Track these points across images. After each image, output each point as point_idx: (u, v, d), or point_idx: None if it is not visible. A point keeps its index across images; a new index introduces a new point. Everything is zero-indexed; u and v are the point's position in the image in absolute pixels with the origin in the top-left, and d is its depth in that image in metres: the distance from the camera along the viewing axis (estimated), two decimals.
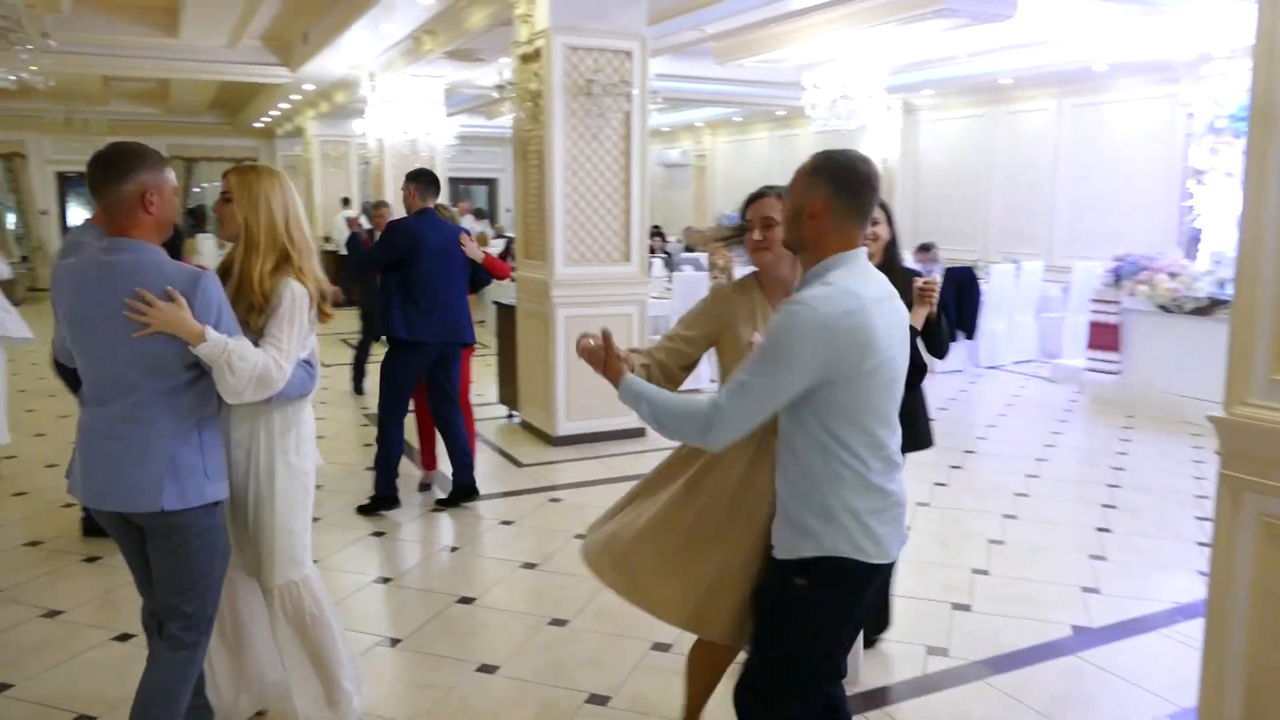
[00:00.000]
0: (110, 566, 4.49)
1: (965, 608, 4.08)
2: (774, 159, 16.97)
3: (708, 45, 10.85)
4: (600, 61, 6.58)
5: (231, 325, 2.50)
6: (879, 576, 2.27)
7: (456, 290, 5.36)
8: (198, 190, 20.50)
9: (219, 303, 2.47)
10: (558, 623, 3.95)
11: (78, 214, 19.43)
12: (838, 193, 2.14)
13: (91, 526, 4.80)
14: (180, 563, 2.52)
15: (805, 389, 2.07)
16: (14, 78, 7.01)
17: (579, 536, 4.91)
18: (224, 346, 2.41)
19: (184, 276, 2.41)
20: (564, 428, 6.75)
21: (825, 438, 2.12)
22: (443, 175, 11.66)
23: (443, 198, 11.74)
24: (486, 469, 6.25)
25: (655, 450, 6.68)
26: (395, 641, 3.77)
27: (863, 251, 2.19)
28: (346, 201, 14.55)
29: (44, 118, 16.90)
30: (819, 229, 2.16)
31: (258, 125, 18.46)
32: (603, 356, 2.29)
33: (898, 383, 2.20)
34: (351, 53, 9.97)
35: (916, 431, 3.36)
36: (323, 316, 2.79)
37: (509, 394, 7.59)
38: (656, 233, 14.81)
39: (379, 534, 5.04)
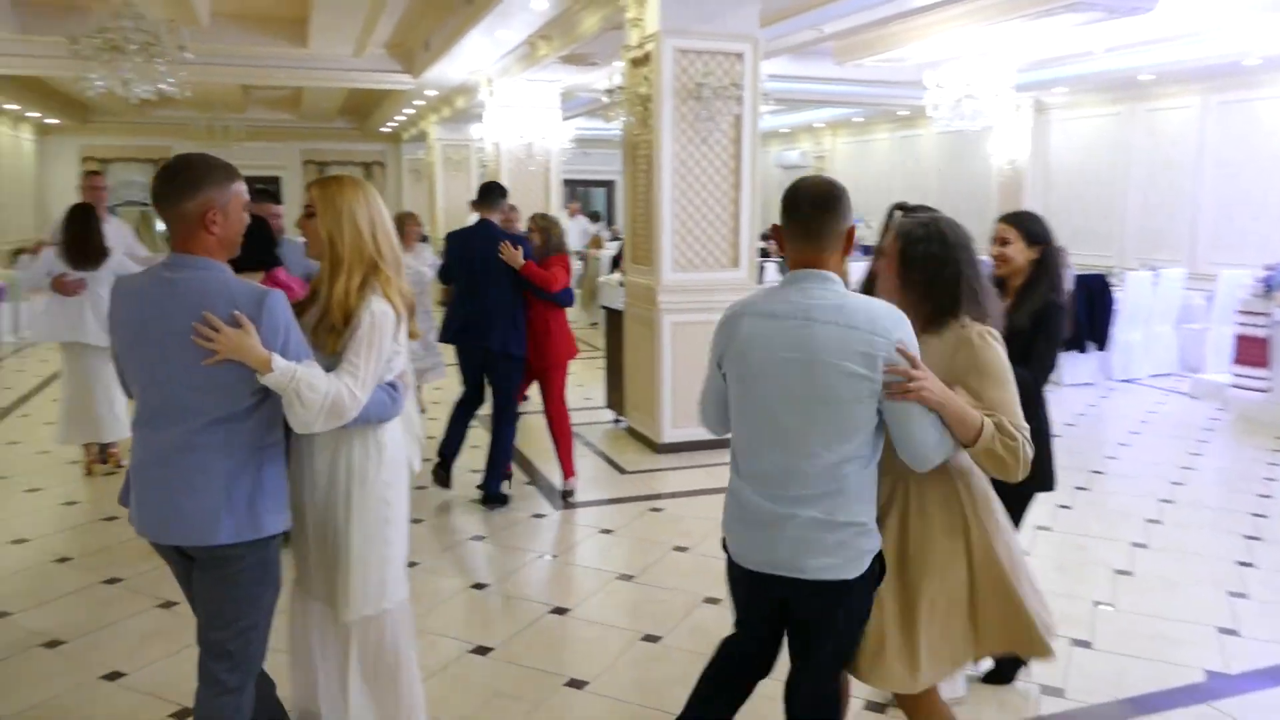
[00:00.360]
0: None
1: (1085, 644, 3.81)
2: (896, 160, 16.50)
3: (826, 45, 10.62)
4: (711, 64, 6.47)
5: (300, 348, 2.34)
6: (748, 576, 2.33)
7: (503, 299, 5.34)
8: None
9: (286, 324, 2.30)
10: (650, 639, 3.87)
11: None
12: (782, 217, 2.29)
13: None
14: (227, 596, 2.36)
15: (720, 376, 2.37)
16: (152, 89, 7.33)
17: (678, 549, 4.83)
18: (292, 375, 2.25)
19: (250, 297, 2.26)
20: (669, 435, 6.67)
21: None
22: (556, 178, 11.79)
23: (556, 199, 11.95)
24: (590, 475, 6.23)
25: None
26: (485, 650, 3.76)
27: (809, 273, 2.21)
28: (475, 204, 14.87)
29: (190, 125, 17.85)
30: (784, 250, 2.31)
31: (385, 130, 19.05)
32: None
33: (768, 407, 2.22)
34: (470, 59, 10.15)
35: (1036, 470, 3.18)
36: (412, 334, 2.67)
37: (616, 399, 7.56)
38: (769, 236, 14.61)
39: (479, 538, 5.06)
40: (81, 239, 5.72)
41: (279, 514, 2.40)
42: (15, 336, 11.73)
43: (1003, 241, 3.25)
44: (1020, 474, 2.18)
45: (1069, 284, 3.35)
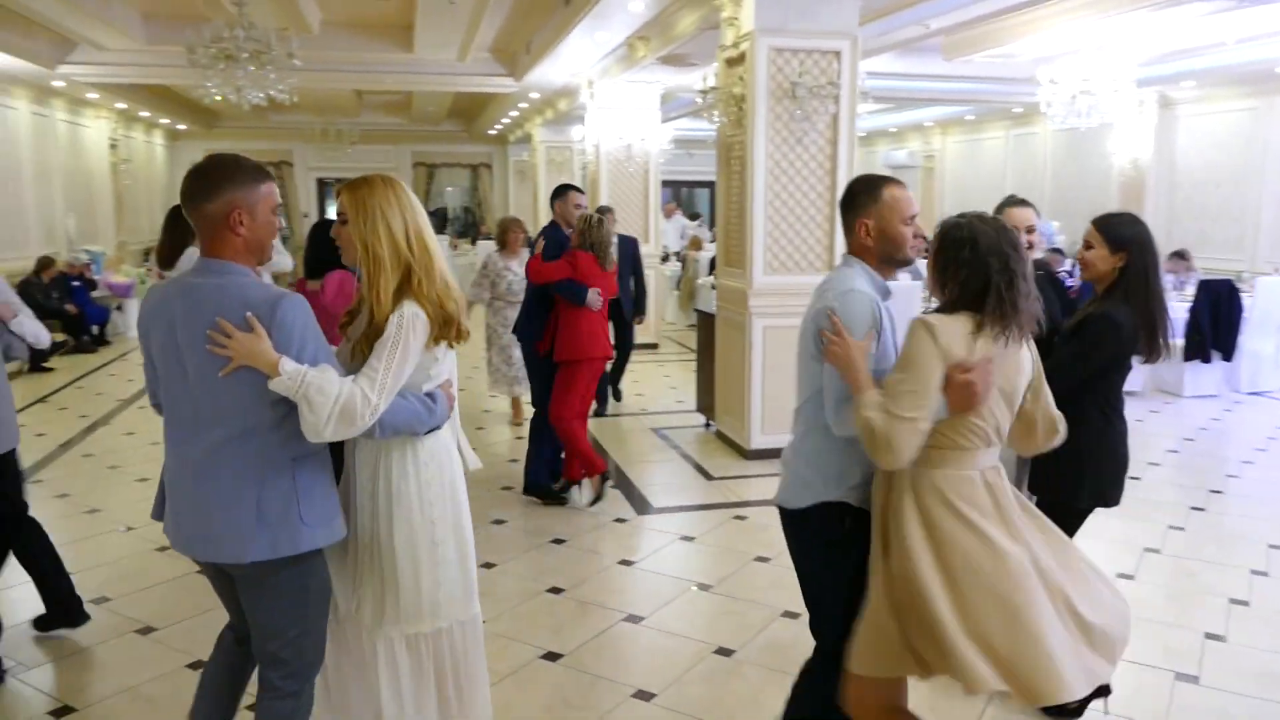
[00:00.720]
0: None
1: (1192, 679, 3.54)
2: (1009, 160, 15.91)
3: (934, 41, 10.29)
4: (807, 63, 6.32)
5: (321, 355, 2.24)
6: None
7: (534, 301, 5.51)
8: (443, 194, 21.85)
9: (302, 329, 2.20)
10: (724, 652, 3.78)
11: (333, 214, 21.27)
12: None
13: None
14: (274, 612, 2.32)
15: None
16: (263, 95, 7.60)
17: (759, 559, 4.72)
18: (300, 379, 2.14)
19: (264, 301, 2.17)
20: (758, 441, 6.55)
21: None
22: (655, 180, 11.75)
23: (654, 200, 11.90)
24: (676, 480, 6.18)
25: None
26: (556, 656, 3.74)
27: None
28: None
29: (307, 129, 18.55)
30: None
31: (492, 133, 19.39)
32: None
33: None
34: (570, 61, 10.20)
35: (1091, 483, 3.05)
36: (459, 336, 2.46)
37: (707, 403, 7.48)
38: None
39: (560, 541, 5.06)
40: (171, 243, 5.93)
41: (321, 527, 2.30)
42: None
43: (1086, 246, 3.08)
44: (880, 458, 2.25)
45: (1175, 289, 3.16)
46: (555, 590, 4.41)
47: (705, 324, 7.57)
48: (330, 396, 2.16)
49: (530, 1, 9.16)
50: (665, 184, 21.40)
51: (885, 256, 2.51)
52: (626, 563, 4.78)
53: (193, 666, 3.61)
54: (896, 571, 2.33)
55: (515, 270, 6.99)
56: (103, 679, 3.58)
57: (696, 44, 8.31)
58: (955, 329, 2.28)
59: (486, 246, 16.64)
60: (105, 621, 4.02)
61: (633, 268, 7.70)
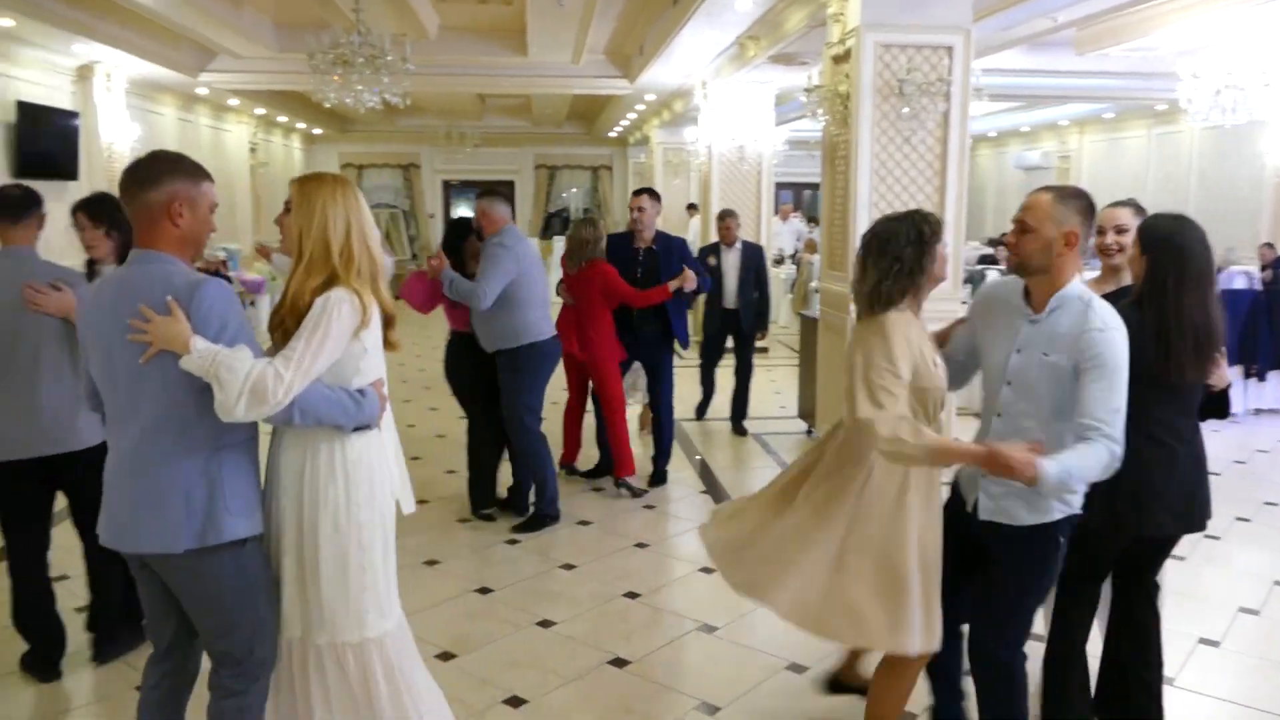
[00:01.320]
0: (531, 551, 4.91)
1: None
2: (1151, 161, 15.00)
3: (1065, 35, 9.79)
4: (916, 59, 6.08)
5: (240, 337, 2.21)
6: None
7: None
8: (564, 196, 22.15)
9: (223, 313, 2.20)
10: (796, 669, 3.64)
11: (458, 215, 21.89)
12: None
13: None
14: (213, 607, 2.29)
15: None
16: (378, 99, 7.83)
17: None
18: (212, 357, 2.12)
19: (185, 285, 2.19)
20: None
21: None
22: (768, 181, 11.58)
23: (767, 202, 11.72)
24: (745, 485, 6.00)
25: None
26: (624, 663, 3.68)
27: None
28: (693, 208, 14.88)
29: (431, 132, 19.11)
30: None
31: (612, 135, 19.53)
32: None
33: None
34: (682, 61, 10.15)
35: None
36: (388, 344, 2.47)
37: (808, 409, 7.31)
38: (999, 243, 13.68)
39: (642, 545, 5.00)
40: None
41: (243, 518, 2.28)
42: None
43: (1119, 230, 2.94)
44: None
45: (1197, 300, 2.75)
46: (631, 595, 4.35)
47: (809, 328, 7.40)
48: (240, 374, 2.12)
49: (640, 2, 9.15)
50: (784, 186, 21.18)
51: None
52: (707, 570, 4.67)
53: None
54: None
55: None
56: None
57: (807, 42, 8.12)
58: None
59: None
60: None
61: (756, 278, 7.36)
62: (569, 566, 4.67)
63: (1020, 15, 7.98)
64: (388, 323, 2.47)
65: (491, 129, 19.47)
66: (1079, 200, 2.53)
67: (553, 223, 21.57)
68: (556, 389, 5.88)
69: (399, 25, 8.88)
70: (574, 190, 22.40)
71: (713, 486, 6.03)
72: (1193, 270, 2.67)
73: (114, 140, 10.75)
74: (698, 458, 6.71)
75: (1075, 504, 2.56)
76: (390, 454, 2.51)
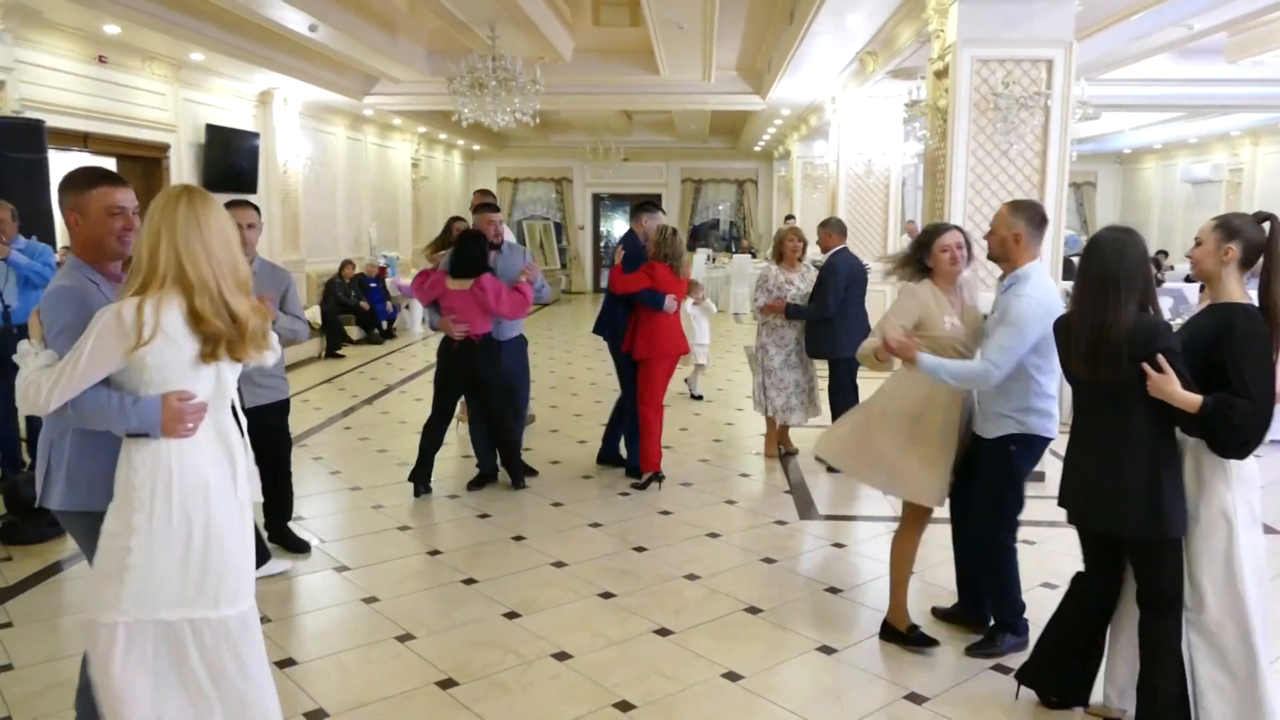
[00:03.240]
0: (611, 534, 5.38)
1: None
2: None
3: (1214, 41, 9.42)
4: (1015, 73, 6.15)
5: (58, 344, 2.44)
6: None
7: (608, 300, 6.36)
8: (720, 208, 22.58)
9: (51, 319, 2.48)
10: (826, 650, 3.88)
11: (614, 228, 22.69)
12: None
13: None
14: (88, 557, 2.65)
15: None
16: (510, 117, 8.47)
17: None
18: (20, 355, 2.46)
19: (49, 293, 2.56)
20: None
21: None
22: (895, 196, 11.61)
23: (894, 217, 11.73)
24: (849, 489, 6.16)
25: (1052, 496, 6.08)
26: (667, 633, 4.02)
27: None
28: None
29: (580, 147, 19.95)
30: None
31: (756, 149, 19.82)
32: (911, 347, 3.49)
33: None
34: (808, 77, 10.38)
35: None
36: (215, 354, 2.45)
37: None
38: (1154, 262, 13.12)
39: (714, 535, 5.31)
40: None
41: (77, 494, 2.59)
42: (423, 327, 13.95)
43: (1197, 243, 2.98)
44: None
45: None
46: (691, 577, 4.68)
47: None
48: (22, 377, 2.41)
49: (763, 20, 9.46)
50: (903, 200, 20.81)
51: None
52: (769, 560, 4.95)
53: (509, 616, 4.18)
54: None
55: (797, 285, 6.61)
56: (437, 619, 4.20)
57: (921, 58, 8.22)
58: None
59: (741, 260, 17.06)
60: (439, 575, 4.68)
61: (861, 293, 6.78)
62: (640, 549, 5.05)
63: (1151, 23, 7.81)
64: (210, 337, 2.42)
65: (638, 144, 20.15)
66: (1029, 211, 3.67)
67: (698, 235, 22.02)
68: (595, 388, 6.26)
69: (535, 50, 9.53)
70: (724, 204, 22.75)
71: (796, 486, 6.25)
72: (1094, 273, 2.89)
73: (289, 157, 11.95)
74: (788, 455, 6.94)
75: (1030, 424, 3.61)
76: (210, 456, 2.51)
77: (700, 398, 9.17)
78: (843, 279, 6.45)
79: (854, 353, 6.29)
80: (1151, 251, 9.92)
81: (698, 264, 18.24)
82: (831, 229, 6.82)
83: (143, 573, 2.40)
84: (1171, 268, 14.42)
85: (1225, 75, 10.50)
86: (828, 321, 6.46)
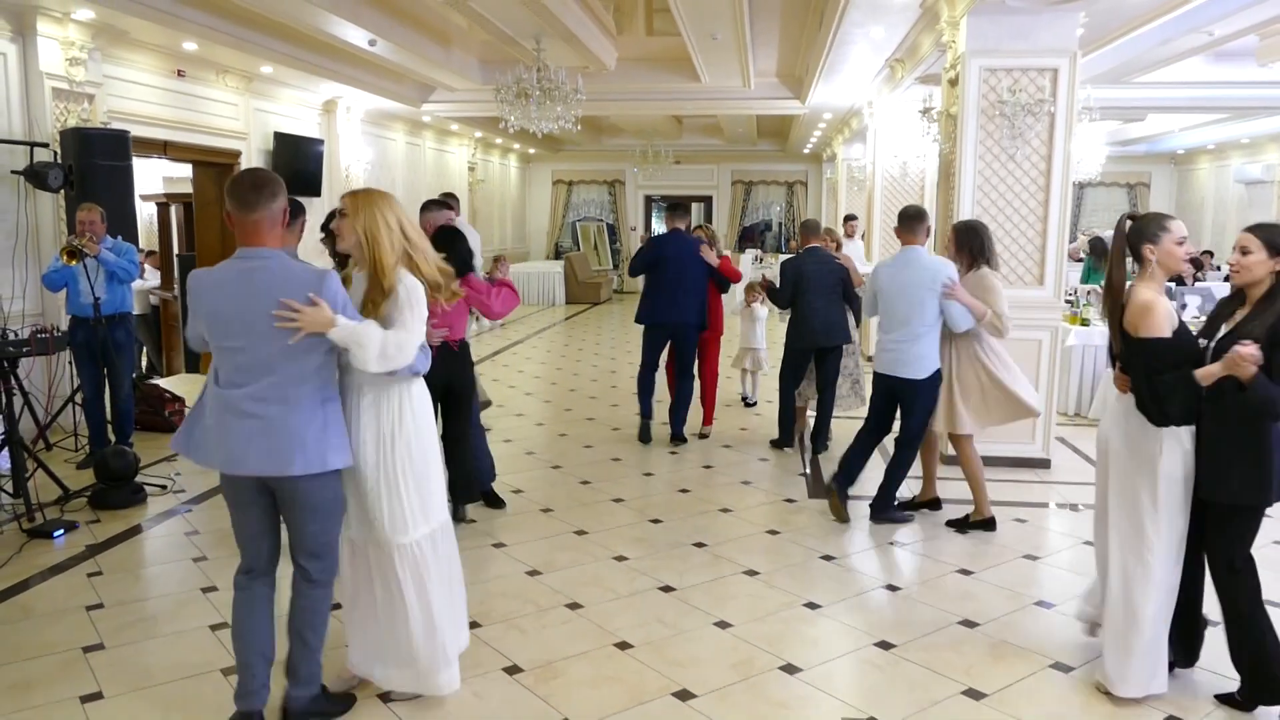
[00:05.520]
0: (631, 508, 5.88)
1: None
2: None
3: (1244, 43, 9.56)
4: (1022, 81, 6.49)
5: (353, 313, 3.02)
6: None
7: (698, 287, 7.18)
8: (775, 209, 22.94)
9: (341, 293, 3.00)
10: (812, 606, 4.32)
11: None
12: None
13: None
14: (308, 519, 3.06)
15: None
16: (554, 125, 9.00)
17: (962, 571, 5.11)
18: (352, 329, 2.93)
19: (313, 277, 2.93)
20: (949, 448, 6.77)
21: None
22: (930, 197, 11.88)
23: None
24: (872, 473, 6.54)
25: (1056, 482, 6.42)
26: (670, 589, 4.49)
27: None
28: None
29: (630, 151, 20.50)
30: None
31: (805, 151, 20.14)
32: None
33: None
34: (844, 83, 10.75)
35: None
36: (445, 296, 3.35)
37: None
38: (1195, 263, 13.16)
39: (727, 510, 5.76)
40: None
41: (341, 452, 3.05)
42: (476, 325, 14.60)
43: (1243, 251, 3.26)
44: None
45: None
46: (699, 545, 5.15)
47: None
48: (375, 339, 3.05)
49: (797, 28, 9.86)
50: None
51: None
52: (773, 532, 5.39)
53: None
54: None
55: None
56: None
57: (943, 66, 8.55)
58: None
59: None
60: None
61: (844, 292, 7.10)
62: (656, 521, 5.54)
63: (1170, 31, 8.04)
64: (435, 289, 3.32)
65: (689, 147, 20.61)
66: (916, 220, 5.40)
67: (748, 236, 22.40)
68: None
69: (579, 60, 10.07)
70: (775, 207, 23.08)
71: (812, 467, 6.67)
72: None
73: (351, 163, 12.66)
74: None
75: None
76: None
77: (754, 404, 8.96)
78: (789, 278, 6.98)
79: (832, 342, 7.03)
80: (1197, 251, 10.12)
81: (745, 264, 18.66)
82: (804, 230, 7.34)
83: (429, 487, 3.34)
84: (1217, 268, 14.42)
85: (1260, 78, 10.60)
86: (793, 313, 7.07)
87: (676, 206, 7.54)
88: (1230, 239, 18.19)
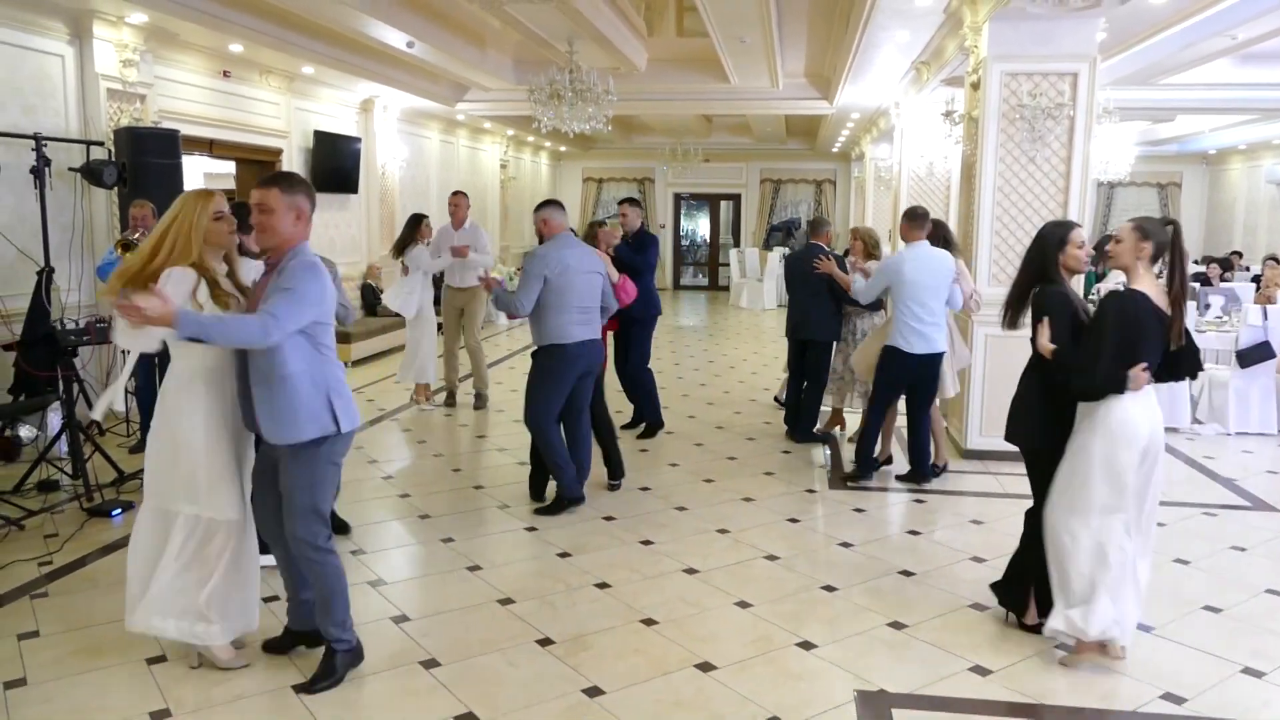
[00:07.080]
0: (656, 496, 6.14)
1: None
2: None
3: (1273, 45, 9.62)
4: (1043, 85, 6.64)
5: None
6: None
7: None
8: (804, 207, 23.07)
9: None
10: (828, 589, 4.53)
11: (697, 226, 23.34)
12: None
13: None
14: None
15: None
16: (586, 125, 9.24)
17: (976, 559, 5.30)
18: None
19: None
20: (975, 442, 6.95)
21: None
22: (956, 196, 12.01)
23: (955, 217, 12.12)
24: (891, 468, 6.74)
25: None
26: (694, 571, 4.72)
27: None
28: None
29: (660, 149, 20.72)
30: None
31: (834, 150, 20.25)
32: None
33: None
34: (871, 84, 10.90)
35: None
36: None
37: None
38: (1224, 264, 13.18)
39: (749, 499, 5.98)
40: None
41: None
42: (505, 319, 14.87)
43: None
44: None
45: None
46: (722, 531, 5.37)
47: None
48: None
49: (824, 30, 10.03)
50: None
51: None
52: (793, 520, 5.60)
53: (470, 569, 5.02)
54: None
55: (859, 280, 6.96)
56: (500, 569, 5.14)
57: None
58: None
59: None
60: (531, 543, 5.64)
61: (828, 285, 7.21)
62: (681, 508, 5.76)
63: (1194, 34, 8.13)
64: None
65: (718, 145, 20.80)
66: (923, 218, 5.95)
67: (774, 235, 22.52)
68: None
69: (611, 61, 10.30)
70: (802, 205, 23.19)
71: (833, 457, 6.87)
72: None
73: (387, 160, 12.98)
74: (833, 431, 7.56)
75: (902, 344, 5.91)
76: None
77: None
78: (785, 273, 7.85)
79: (810, 335, 7.34)
80: (1226, 251, 10.33)
81: (772, 262, 18.83)
82: (812, 228, 7.68)
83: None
84: (1246, 269, 14.43)
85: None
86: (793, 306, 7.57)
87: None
88: (1261, 240, 18.22)
